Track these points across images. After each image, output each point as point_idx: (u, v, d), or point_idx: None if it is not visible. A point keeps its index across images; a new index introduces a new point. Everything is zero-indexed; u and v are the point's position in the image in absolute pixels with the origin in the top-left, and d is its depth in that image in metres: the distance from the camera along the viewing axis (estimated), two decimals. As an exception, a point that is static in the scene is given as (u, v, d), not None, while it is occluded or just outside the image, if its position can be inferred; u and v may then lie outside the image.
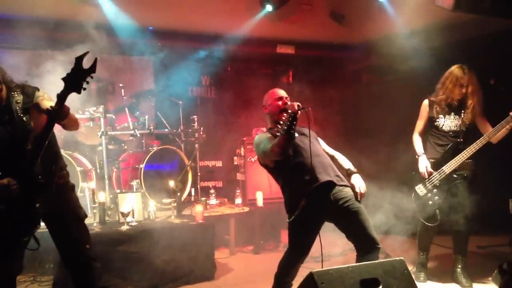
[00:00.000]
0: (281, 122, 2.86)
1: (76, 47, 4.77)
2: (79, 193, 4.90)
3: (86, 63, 2.64)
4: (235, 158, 6.19)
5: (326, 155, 3.42)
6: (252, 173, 5.78)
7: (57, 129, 2.90)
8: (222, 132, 6.77)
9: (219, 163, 6.90)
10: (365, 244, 3.17)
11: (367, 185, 3.32)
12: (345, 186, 3.26)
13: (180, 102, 6.09)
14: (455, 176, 4.11)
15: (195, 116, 5.94)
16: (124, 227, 4.29)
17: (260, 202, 5.62)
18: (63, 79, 2.61)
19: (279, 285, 3.37)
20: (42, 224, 2.87)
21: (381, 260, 2.56)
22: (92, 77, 2.65)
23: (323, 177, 3.17)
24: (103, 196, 4.58)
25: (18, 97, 2.81)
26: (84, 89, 2.63)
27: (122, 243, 4.15)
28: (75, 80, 2.59)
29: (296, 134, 3.01)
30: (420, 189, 4.19)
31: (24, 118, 2.76)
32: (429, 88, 4.72)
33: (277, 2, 5.55)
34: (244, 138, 5.85)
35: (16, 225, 2.67)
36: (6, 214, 2.63)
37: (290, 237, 3.29)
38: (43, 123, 2.70)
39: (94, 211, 4.54)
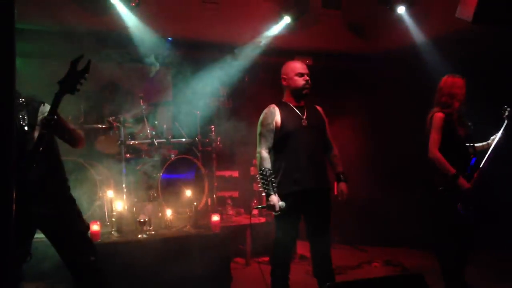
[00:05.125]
0: (260, 185, 3.34)
1: (97, 57, 4.86)
2: (97, 202, 4.96)
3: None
4: (252, 168, 6.19)
5: (321, 154, 3.61)
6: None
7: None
8: (238, 142, 6.77)
9: (235, 173, 6.90)
10: (315, 247, 3.55)
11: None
12: (328, 188, 3.56)
13: (198, 112, 6.12)
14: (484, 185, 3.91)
15: (212, 126, 5.97)
16: (141, 236, 4.32)
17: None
18: (59, 82, 2.69)
19: (277, 281, 3.54)
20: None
21: (399, 275, 2.53)
22: (85, 78, 2.72)
23: (313, 182, 3.45)
24: (120, 205, 4.63)
25: (23, 112, 2.83)
26: (78, 90, 2.70)
27: (139, 252, 4.17)
28: (70, 82, 2.68)
29: (305, 123, 3.51)
30: (461, 207, 3.80)
31: (26, 132, 2.79)
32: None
33: (296, 13, 5.57)
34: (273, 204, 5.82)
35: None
36: None
37: (276, 227, 3.54)
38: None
39: (113, 219, 4.57)
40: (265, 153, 3.46)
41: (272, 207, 3.28)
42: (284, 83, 3.64)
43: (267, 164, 3.42)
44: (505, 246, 5.40)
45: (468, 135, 4.01)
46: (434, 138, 3.92)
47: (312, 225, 3.55)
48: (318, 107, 3.77)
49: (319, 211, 3.54)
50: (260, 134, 3.52)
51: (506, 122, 3.94)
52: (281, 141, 3.50)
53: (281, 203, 3.28)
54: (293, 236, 3.56)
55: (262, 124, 3.54)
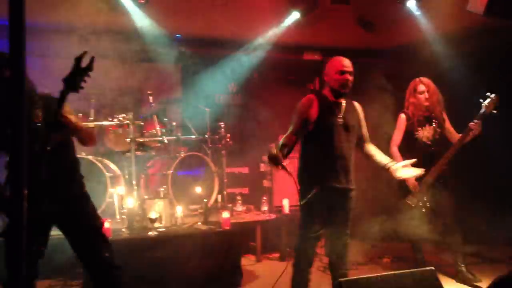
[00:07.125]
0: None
1: (106, 54, 4.88)
2: (107, 199, 4.99)
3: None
4: (262, 165, 6.18)
5: (351, 154, 3.52)
6: (278, 180, 5.76)
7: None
8: (248, 139, 6.77)
9: (245, 170, 6.89)
10: (334, 244, 3.56)
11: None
12: (352, 189, 3.53)
13: (207, 109, 6.12)
14: (437, 183, 4.31)
15: (222, 123, 5.96)
16: (152, 233, 4.34)
17: (286, 209, 5.60)
18: (63, 80, 2.64)
19: (297, 273, 3.55)
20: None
21: (412, 270, 2.51)
22: (89, 76, 2.66)
23: (338, 181, 3.43)
24: (131, 202, 4.64)
25: (38, 109, 2.84)
26: (82, 88, 2.64)
27: (149, 249, 4.19)
28: (74, 80, 2.62)
29: (341, 121, 3.44)
30: (411, 200, 4.38)
31: (40, 129, 2.79)
32: (460, 95, 4.60)
33: (305, 9, 5.54)
34: (271, 145, 5.82)
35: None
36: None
37: (301, 218, 3.55)
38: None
39: (123, 216, 4.59)
40: (290, 136, 3.43)
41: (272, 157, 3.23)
42: (325, 79, 3.57)
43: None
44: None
45: (434, 135, 4.36)
46: (394, 136, 4.52)
47: (331, 222, 3.52)
48: (356, 104, 3.68)
49: (340, 210, 3.52)
50: (292, 120, 3.50)
51: (483, 110, 4.06)
52: (313, 135, 3.45)
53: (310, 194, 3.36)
54: (317, 230, 3.49)
55: (297, 111, 3.50)
